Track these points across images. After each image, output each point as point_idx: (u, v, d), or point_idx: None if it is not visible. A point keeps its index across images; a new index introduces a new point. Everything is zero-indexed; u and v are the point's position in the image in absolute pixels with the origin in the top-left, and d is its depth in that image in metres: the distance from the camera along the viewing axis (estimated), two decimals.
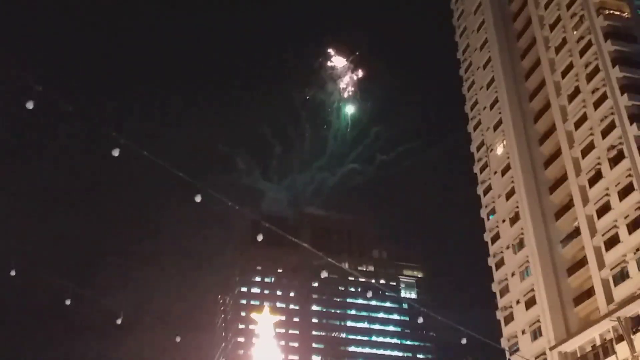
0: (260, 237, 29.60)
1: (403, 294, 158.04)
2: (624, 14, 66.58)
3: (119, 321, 37.50)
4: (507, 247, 71.38)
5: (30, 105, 23.29)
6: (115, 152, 24.70)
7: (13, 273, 33.10)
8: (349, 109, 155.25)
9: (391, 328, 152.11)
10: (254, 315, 51.45)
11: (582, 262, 62.65)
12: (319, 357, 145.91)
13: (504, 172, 74.38)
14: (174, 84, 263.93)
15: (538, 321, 64.33)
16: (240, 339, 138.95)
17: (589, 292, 60.77)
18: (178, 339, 40.92)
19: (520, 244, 69.28)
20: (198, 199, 25.96)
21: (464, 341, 36.17)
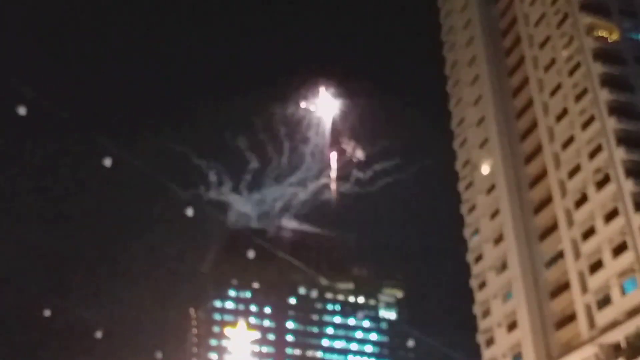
0: (252, 254, 28.17)
1: (382, 313, 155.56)
2: (613, 36, 66.03)
3: (98, 335, 36.41)
4: (490, 269, 70.06)
5: (23, 111, 21.74)
6: (108, 162, 23.48)
7: None
8: (327, 125, 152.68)
9: (369, 348, 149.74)
10: (227, 331, 49.67)
11: (565, 286, 61.52)
12: None
13: (488, 192, 73.14)
14: (153, 92, 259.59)
15: (519, 345, 63.12)
16: (213, 356, 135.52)
17: (572, 317, 59.72)
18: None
19: (504, 266, 68.02)
20: (190, 212, 24.85)
21: None
